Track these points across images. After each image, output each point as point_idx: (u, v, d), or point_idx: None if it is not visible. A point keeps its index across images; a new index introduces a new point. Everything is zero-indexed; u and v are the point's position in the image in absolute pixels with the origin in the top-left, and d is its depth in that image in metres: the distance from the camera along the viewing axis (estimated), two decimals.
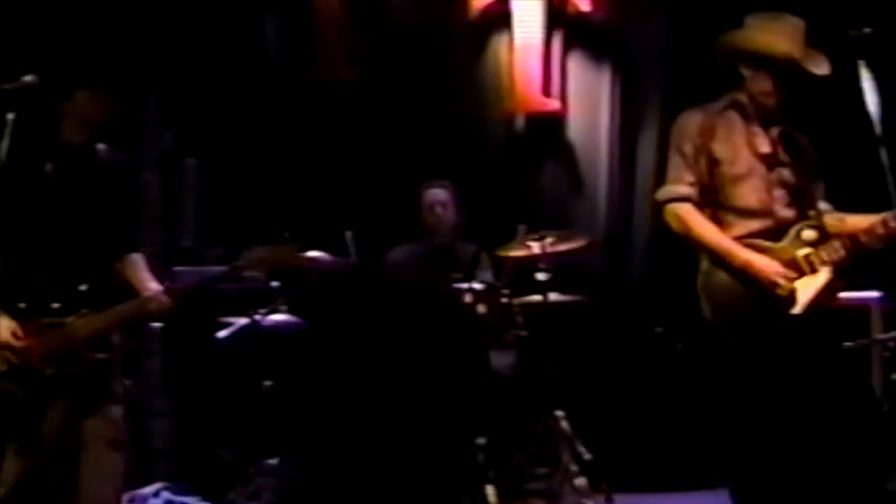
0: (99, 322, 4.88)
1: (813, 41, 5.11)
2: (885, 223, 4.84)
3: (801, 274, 4.95)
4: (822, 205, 5.17)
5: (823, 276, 4.94)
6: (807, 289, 4.93)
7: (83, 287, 4.89)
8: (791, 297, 4.91)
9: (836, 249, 4.94)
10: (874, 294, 6.49)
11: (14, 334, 4.81)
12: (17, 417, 4.85)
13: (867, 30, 4.61)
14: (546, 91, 7.98)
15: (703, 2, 7.50)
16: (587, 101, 8.04)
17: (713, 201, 5.11)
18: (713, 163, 5.10)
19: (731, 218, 5.09)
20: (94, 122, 5.04)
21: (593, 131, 8.01)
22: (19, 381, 4.82)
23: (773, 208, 5.06)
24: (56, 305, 4.87)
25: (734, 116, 5.15)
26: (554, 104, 8.00)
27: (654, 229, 7.66)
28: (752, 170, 5.08)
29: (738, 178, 5.07)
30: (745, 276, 4.97)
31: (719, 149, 5.10)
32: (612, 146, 7.95)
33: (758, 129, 5.13)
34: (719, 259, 5.02)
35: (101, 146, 5.12)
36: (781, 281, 4.91)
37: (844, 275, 4.97)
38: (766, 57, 5.05)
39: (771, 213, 5.06)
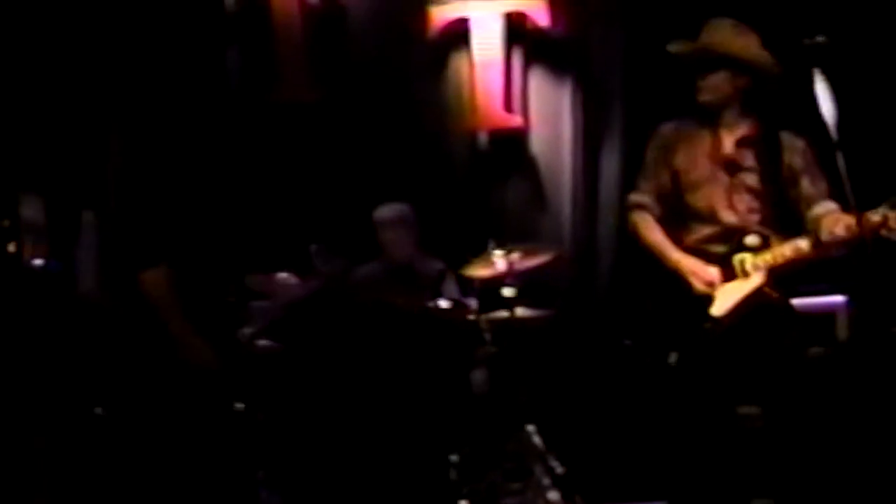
0: None
1: (768, 49, 5.24)
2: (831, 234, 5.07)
3: (734, 277, 5.26)
4: (826, 205, 5.27)
5: (754, 280, 5.23)
6: (731, 292, 5.25)
7: None
8: (708, 296, 5.24)
9: (774, 256, 5.19)
10: (839, 299, 6.52)
11: None
12: None
13: (820, 38, 4.65)
14: (508, 107, 8.00)
15: (662, 15, 7.54)
16: (549, 116, 8.06)
17: (679, 207, 5.42)
18: (675, 172, 5.41)
19: (691, 223, 5.42)
20: None
21: (556, 146, 8.02)
22: None
23: (718, 214, 5.32)
24: None
25: (700, 124, 5.41)
26: (516, 120, 8.02)
27: (620, 242, 7.71)
28: (710, 176, 5.36)
29: (695, 185, 5.38)
30: (677, 277, 5.33)
31: (679, 158, 5.42)
32: (575, 160, 7.96)
33: (726, 135, 5.35)
34: (659, 261, 5.40)
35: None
36: (694, 281, 5.25)
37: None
38: (751, 63, 5.26)
39: (717, 219, 5.33)
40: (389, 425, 6.68)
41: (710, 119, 5.40)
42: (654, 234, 5.49)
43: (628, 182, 7.55)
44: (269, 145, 8.05)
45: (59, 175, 7.42)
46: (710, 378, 5.27)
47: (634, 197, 5.61)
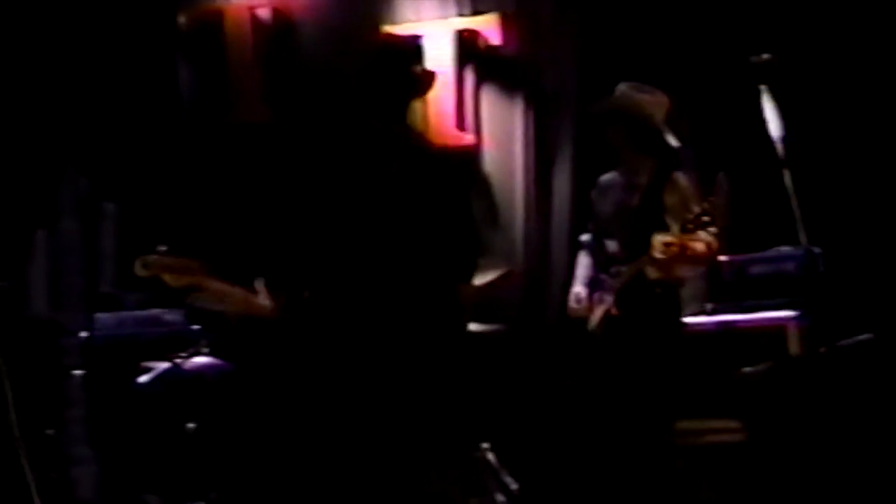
0: None
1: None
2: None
3: None
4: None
5: (607, 300, 6.08)
6: (598, 311, 6.15)
7: None
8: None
9: (617, 280, 6.00)
10: (790, 313, 6.57)
11: None
12: None
13: (766, 56, 4.71)
14: (460, 125, 8.02)
15: (614, 35, 7.59)
16: (501, 134, 8.07)
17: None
18: (601, 214, 6.28)
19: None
20: None
21: (508, 164, 8.04)
22: None
23: (606, 245, 6.18)
24: None
25: (617, 173, 6.21)
26: (468, 138, 8.04)
27: (572, 259, 7.74)
28: (611, 215, 6.17)
29: (605, 223, 6.22)
30: None
31: (600, 202, 6.29)
32: (527, 179, 7.97)
33: (627, 178, 6.13)
34: None
35: None
36: (570, 301, 6.41)
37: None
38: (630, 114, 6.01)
39: (604, 250, 6.19)
40: (345, 443, 6.67)
41: (623, 165, 6.15)
42: (577, 267, 6.53)
43: (580, 199, 7.66)
44: (221, 164, 8.05)
45: (12, 195, 7.39)
46: (595, 389, 6.19)
47: (581, 237, 6.57)
